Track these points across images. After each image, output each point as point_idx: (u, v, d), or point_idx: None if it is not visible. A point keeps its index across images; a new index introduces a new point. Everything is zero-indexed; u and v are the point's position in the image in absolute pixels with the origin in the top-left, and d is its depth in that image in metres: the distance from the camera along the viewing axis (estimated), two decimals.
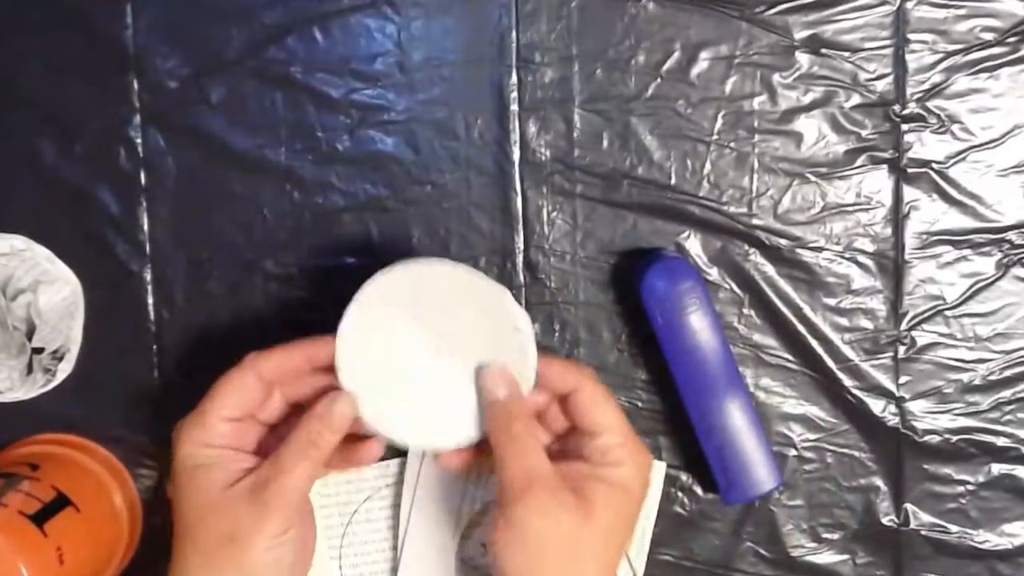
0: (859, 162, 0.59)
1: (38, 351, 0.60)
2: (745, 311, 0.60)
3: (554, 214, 0.60)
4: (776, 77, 0.59)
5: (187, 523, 0.48)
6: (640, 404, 0.60)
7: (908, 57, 0.59)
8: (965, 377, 0.60)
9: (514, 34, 0.59)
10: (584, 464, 0.49)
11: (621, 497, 0.48)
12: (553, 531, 0.46)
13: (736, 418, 0.56)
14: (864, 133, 0.59)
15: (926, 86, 0.59)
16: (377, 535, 0.59)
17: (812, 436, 0.60)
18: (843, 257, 0.60)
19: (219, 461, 0.49)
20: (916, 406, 0.60)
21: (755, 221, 0.60)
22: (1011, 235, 0.59)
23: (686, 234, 0.60)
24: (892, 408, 0.60)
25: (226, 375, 0.50)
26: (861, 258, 0.60)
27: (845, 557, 0.60)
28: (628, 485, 0.49)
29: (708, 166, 0.60)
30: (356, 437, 0.51)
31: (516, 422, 0.49)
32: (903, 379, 0.60)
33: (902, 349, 0.60)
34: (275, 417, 0.52)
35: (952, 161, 0.59)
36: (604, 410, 0.49)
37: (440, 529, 0.58)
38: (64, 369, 0.60)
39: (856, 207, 0.60)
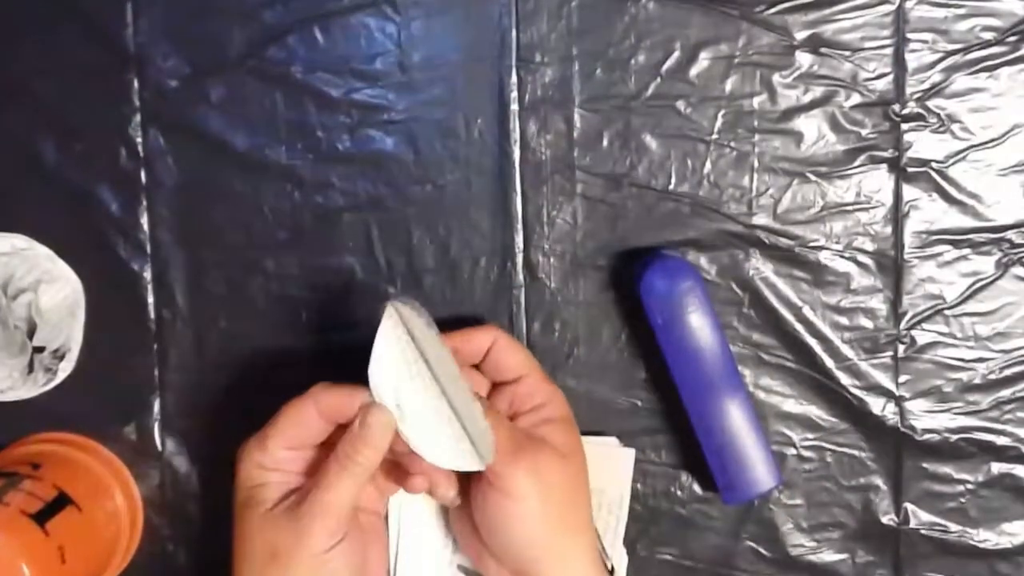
0: (859, 161, 0.59)
1: (39, 350, 0.60)
2: (744, 311, 0.60)
3: (554, 214, 0.60)
4: (776, 77, 0.59)
5: (241, 540, 0.50)
6: (640, 404, 0.60)
7: (908, 56, 0.59)
8: (965, 376, 0.60)
9: (514, 34, 0.59)
10: (524, 417, 0.53)
11: (570, 430, 0.53)
12: (551, 487, 0.50)
13: (735, 418, 0.56)
14: (864, 132, 0.59)
15: (926, 85, 0.59)
16: None
17: (811, 435, 0.60)
18: (843, 256, 0.60)
19: (273, 481, 0.50)
20: (916, 405, 0.60)
21: (755, 221, 0.60)
22: (1011, 234, 0.59)
23: (686, 234, 0.60)
24: (892, 407, 0.60)
25: (291, 403, 0.51)
26: (861, 257, 0.60)
27: (844, 556, 0.60)
28: (566, 417, 0.54)
29: (708, 166, 0.60)
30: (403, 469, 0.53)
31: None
32: (903, 378, 0.60)
33: (902, 348, 0.60)
34: (325, 437, 0.52)
35: (952, 160, 0.59)
36: (520, 354, 0.54)
37: (432, 537, 0.57)
38: (65, 368, 0.60)
39: (856, 206, 0.60)
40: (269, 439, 0.51)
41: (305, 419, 0.51)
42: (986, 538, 0.60)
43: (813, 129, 0.59)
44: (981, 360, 0.60)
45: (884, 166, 0.59)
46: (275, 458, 0.51)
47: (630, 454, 0.60)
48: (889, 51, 0.59)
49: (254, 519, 0.50)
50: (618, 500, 0.59)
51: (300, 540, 0.48)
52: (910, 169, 0.59)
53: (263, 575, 0.49)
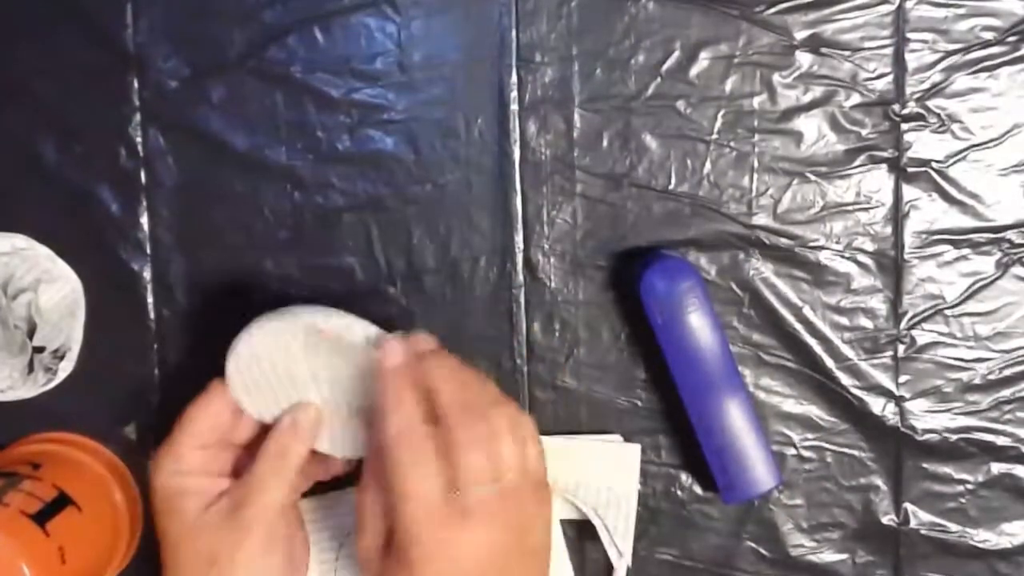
0: (859, 161, 0.59)
1: (39, 350, 0.60)
2: (744, 311, 0.60)
3: (554, 214, 0.60)
4: (776, 76, 0.59)
5: (169, 550, 0.49)
6: (640, 404, 0.60)
7: (908, 56, 0.59)
8: (965, 376, 0.60)
9: (514, 33, 0.59)
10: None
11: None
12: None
13: (735, 418, 0.56)
14: (864, 132, 0.59)
15: (926, 85, 0.59)
16: None
17: (811, 435, 0.60)
18: (843, 256, 0.60)
19: (194, 488, 0.50)
20: (916, 405, 0.60)
21: (755, 221, 0.60)
22: (1011, 234, 0.59)
23: (686, 234, 0.60)
24: (892, 407, 0.60)
25: (194, 402, 0.51)
26: (861, 257, 0.60)
27: (845, 556, 0.60)
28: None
29: (708, 166, 0.60)
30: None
31: (404, 391, 0.47)
32: (903, 378, 0.60)
33: (902, 348, 0.60)
34: (248, 437, 0.52)
35: (952, 160, 0.59)
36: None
37: None
38: (65, 368, 0.60)
39: (856, 206, 0.60)
40: (180, 444, 0.50)
41: (212, 413, 0.51)
42: (986, 538, 0.60)
43: (813, 129, 0.59)
44: (981, 360, 0.60)
45: (884, 166, 0.59)
46: (190, 462, 0.50)
47: (636, 449, 0.60)
48: (889, 51, 0.59)
49: (182, 528, 0.49)
50: (626, 495, 0.59)
51: (240, 544, 0.47)
52: (910, 169, 0.59)
53: None
